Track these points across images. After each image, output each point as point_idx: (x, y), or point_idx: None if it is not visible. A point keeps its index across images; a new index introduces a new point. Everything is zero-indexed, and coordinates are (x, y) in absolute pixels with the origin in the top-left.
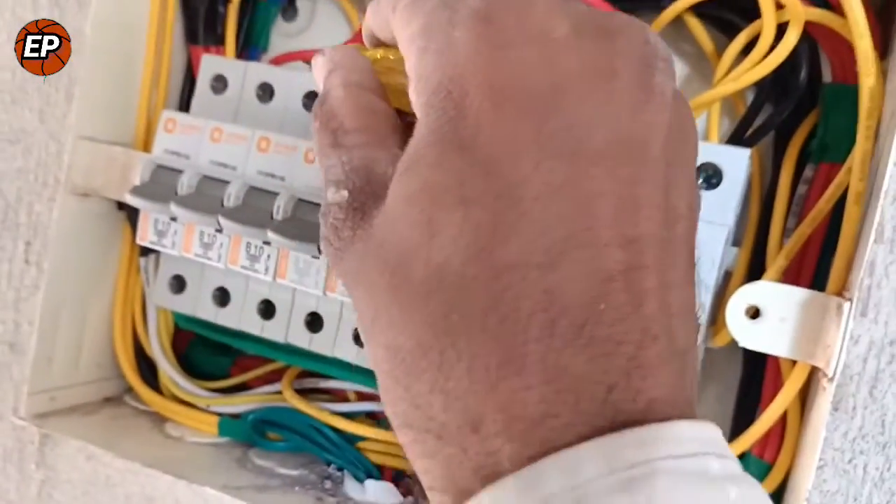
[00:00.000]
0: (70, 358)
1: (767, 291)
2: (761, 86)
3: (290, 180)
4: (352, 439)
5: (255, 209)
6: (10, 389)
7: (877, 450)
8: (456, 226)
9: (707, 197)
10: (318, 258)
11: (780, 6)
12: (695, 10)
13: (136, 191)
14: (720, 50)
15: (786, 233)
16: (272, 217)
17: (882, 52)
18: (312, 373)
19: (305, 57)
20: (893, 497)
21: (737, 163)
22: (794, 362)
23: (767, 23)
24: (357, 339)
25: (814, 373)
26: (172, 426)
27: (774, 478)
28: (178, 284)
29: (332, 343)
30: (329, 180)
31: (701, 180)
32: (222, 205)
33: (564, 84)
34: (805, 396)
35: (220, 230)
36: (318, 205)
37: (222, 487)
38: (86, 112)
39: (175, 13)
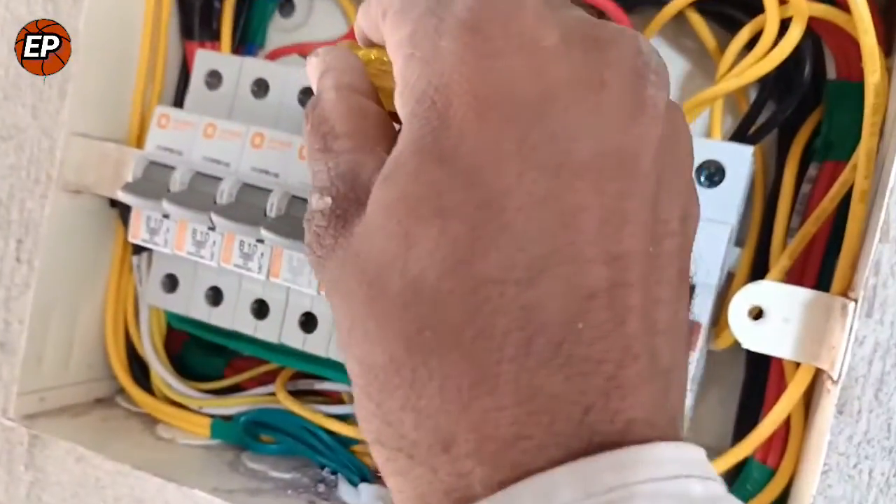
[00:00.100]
0: (60, 358)
1: (771, 291)
2: (764, 83)
3: (285, 177)
4: (346, 442)
5: (248, 206)
6: None
7: (883, 454)
8: (432, 238)
9: (709, 195)
10: None
11: (783, 1)
12: (697, 5)
13: (128, 187)
14: (722, 46)
15: (789, 232)
16: (266, 214)
17: (887, 49)
18: (307, 374)
19: (302, 50)
20: None
21: (739, 160)
22: (797, 364)
23: (770, 18)
24: None
25: (818, 375)
26: (164, 428)
27: (778, 483)
28: (171, 283)
29: (327, 344)
30: (315, 186)
31: (703, 178)
32: (215, 202)
33: (551, 94)
34: (809, 399)
35: (212, 228)
36: None
37: (213, 490)
38: (79, 108)
39: (170, 8)
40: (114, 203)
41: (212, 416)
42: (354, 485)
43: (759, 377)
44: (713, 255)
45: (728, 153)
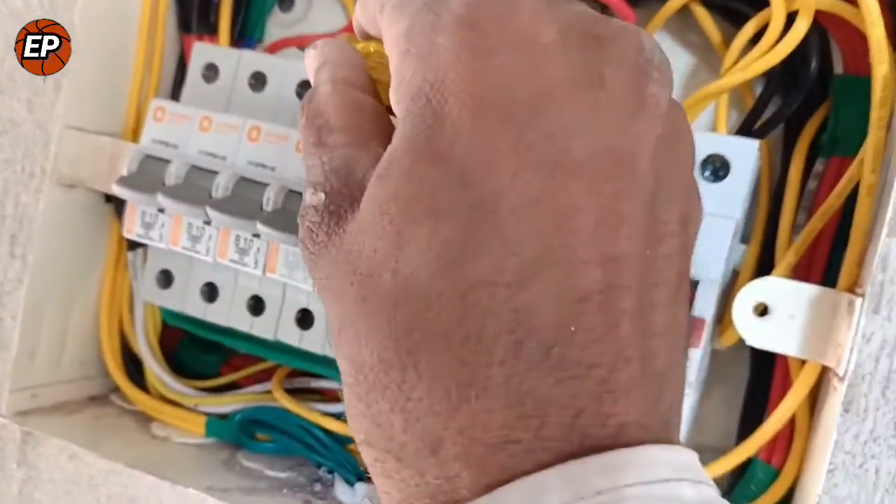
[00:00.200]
0: (54, 354)
1: (776, 288)
2: (770, 77)
3: (281, 171)
4: (343, 440)
5: (244, 200)
6: None
7: (889, 453)
8: (424, 238)
9: (714, 189)
10: None
11: None
12: None
13: (123, 181)
14: (728, 40)
15: (795, 229)
16: (262, 209)
17: (895, 42)
18: (303, 372)
19: (301, 43)
20: None
21: (745, 154)
22: (803, 362)
23: (776, 12)
24: None
25: (824, 373)
26: (158, 426)
27: (783, 483)
28: (166, 279)
29: (323, 341)
30: (309, 181)
31: (708, 172)
32: (211, 196)
33: (547, 92)
34: (815, 398)
35: (208, 222)
36: None
37: (207, 489)
38: (74, 102)
39: (168, 2)
40: (109, 198)
41: (207, 414)
42: (351, 484)
43: (763, 375)
44: (717, 250)
45: (733, 147)
